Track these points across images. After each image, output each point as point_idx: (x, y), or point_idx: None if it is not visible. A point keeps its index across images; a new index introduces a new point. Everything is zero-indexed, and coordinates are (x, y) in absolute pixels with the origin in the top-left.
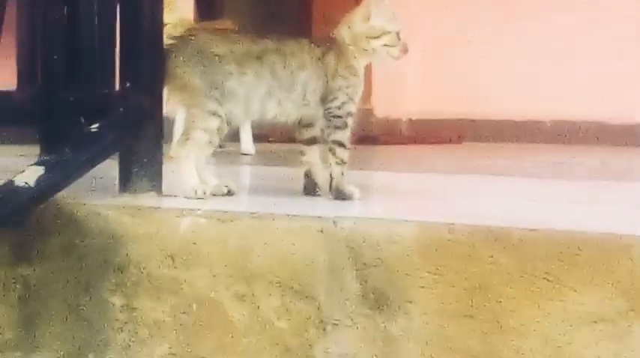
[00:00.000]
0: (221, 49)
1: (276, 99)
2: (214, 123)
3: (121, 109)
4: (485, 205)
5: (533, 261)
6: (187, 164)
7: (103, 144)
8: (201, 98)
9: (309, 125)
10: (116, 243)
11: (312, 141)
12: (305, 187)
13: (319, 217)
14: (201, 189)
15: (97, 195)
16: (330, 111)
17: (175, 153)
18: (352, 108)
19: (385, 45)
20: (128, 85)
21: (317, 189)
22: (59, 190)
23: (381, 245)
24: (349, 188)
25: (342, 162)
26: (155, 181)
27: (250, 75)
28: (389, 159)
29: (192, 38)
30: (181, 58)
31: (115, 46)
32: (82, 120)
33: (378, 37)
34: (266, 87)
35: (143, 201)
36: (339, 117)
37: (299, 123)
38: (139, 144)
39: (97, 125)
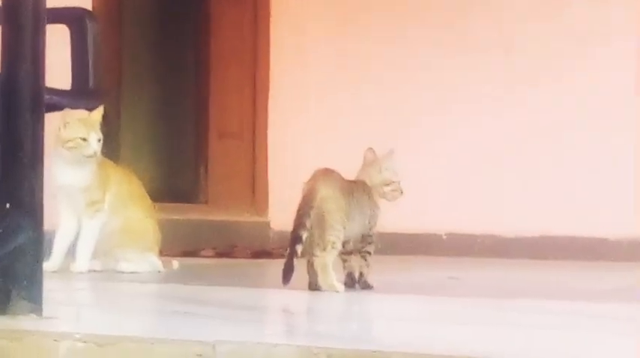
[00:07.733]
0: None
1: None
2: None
3: (1, 231)
4: (367, 327)
5: None
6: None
7: None
8: None
9: (348, 242)
10: None
11: (351, 252)
12: (346, 283)
13: (199, 341)
14: None
15: None
16: (368, 232)
17: None
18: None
19: (392, 190)
20: (8, 205)
21: (355, 285)
22: None
23: None
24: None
25: (369, 265)
26: (35, 303)
27: None
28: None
29: None
30: None
31: None
32: None
33: (387, 184)
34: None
35: (22, 323)
36: (371, 236)
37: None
38: (19, 265)
39: None
